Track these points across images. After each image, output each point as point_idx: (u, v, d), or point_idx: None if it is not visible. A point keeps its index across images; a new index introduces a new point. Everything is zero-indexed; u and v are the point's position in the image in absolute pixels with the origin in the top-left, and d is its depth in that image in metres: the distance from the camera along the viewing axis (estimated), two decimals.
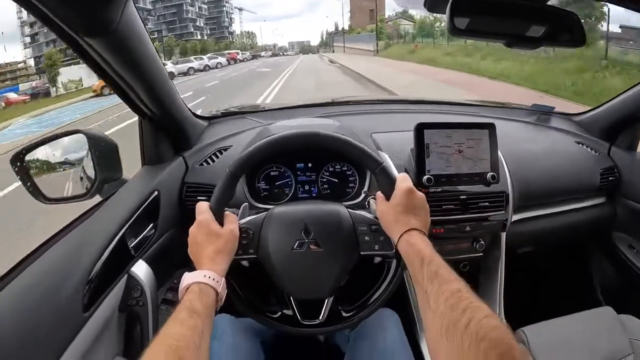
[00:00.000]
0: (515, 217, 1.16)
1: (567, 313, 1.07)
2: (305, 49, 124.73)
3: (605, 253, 1.50)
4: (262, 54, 69.71)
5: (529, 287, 1.60)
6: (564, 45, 0.79)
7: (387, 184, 0.78)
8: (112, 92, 0.91)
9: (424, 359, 1.06)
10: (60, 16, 0.64)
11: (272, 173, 1.14)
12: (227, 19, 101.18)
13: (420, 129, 1.00)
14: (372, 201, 0.87)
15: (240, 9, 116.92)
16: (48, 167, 1.06)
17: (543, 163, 1.26)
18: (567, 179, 1.27)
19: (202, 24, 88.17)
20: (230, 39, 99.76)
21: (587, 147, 1.36)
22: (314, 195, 1.15)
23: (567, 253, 1.59)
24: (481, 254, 1.18)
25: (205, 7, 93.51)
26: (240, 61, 39.24)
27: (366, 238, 0.81)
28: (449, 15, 0.69)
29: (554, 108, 1.52)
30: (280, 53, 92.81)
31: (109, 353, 0.86)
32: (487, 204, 1.09)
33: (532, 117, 1.50)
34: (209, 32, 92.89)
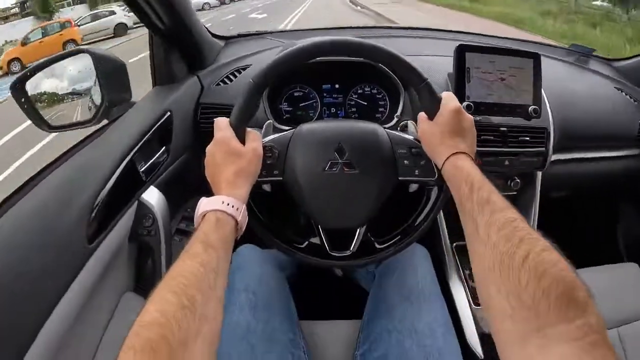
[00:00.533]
0: (553, 158, 1.09)
1: (590, 264, 1.03)
2: None
3: (635, 207, 1.44)
4: None
5: (556, 233, 1.56)
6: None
7: (431, 103, 0.69)
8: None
9: (453, 300, 1.02)
10: None
11: (295, 94, 1.06)
12: None
13: (462, 50, 0.90)
14: (411, 123, 0.79)
15: None
16: (55, 98, 0.99)
17: (583, 104, 1.18)
18: (606, 124, 1.20)
19: None
20: None
21: (626, 94, 1.28)
22: (340, 118, 1.06)
23: (597, 203, 1.53)
24: (515, 192, 1.11)
25: None
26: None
27: (405, 162, 0.72)
28: None
29: (595, 50, 1.42)
30: None
31: (119, 288, 0.80)
32: (527, 138, 1.01)
33: (571, 58, 1.40)
34: None
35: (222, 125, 0.67)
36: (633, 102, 1.26)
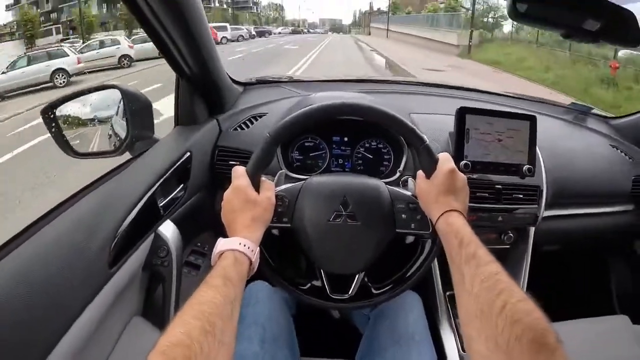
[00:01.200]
0: (546, 214, 1.14)
1: (582, 316, 1.06)
2: (336, 27, 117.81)
3: (627, 261, 1.48)
4: (277, 30, 53.79)
5: (548, 285, 1.59)
6: (617, 42, 0.78)
7: (429, 163, 0.76)
8: None
9: (443, 344, 1.05)
10: None
11: (306, 144, 1.13)
12: None
13: (462, 113, 0.97)
14: (410, 180, 0.85)
15: None
16: (77, 122, 1.06)
17: (578, 162, 1.24)
18: (600, 181, 1.25)
19: None
20: (255, 10, 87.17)
21: (621, 152, 1.33)
22: (347, 169, 1.13)
23: (588, 256, 1.57)
24: (508, 246, 1.16)
25: None
26: (231, 40, 26.76)
27: (403, 216, 0.79)
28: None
29: (593, 108, 1.48)
30: (305, 30, 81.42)
31: (129, 311, 0.86)
32: (520, 196, 1.07)
33: (569, 116, 1.46)
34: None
35: (239, 173, 0.75)
36: (628, 159, 1.32)
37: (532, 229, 1.16)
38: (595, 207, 1.27)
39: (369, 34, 47.82)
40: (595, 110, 1.51)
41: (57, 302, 0.62)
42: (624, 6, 0.72)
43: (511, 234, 1.14)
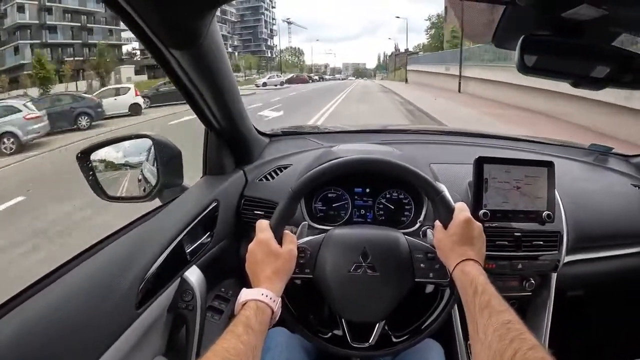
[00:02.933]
0: (568, 259, 1.13)
1: None
2: (360, 72, 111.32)
3: None
4: (261, 80, 33.39)
5: (576, 332, 1.54)
6: (627, 86, 0.78)
7: (445, 213, 0.79)
8: None
9: None
10: (153, 29, 0.68)
11: (329, 195, 1.16)
12: (265, 30, 78.64)
13: (480, 163, 0.99)
14: (429, 231, 0.87)
15: (289, 22, 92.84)
16: (109, 166, 1.12)
17: (599, 204, 1.23)
18: (623, 222, 1.23)
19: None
20: (270, 54, 79.96)
21: None
22: (369, 220, 1.16)
23: (616, 299, 1.52)
24: (530, 293, 1.15)
25: (236, 11, 71.47)
26: None
27: (422, 265, 0.82)
28: (519, 53, 0.70)
29: (613, 149, 1.48)
30: (316, 77, 57.53)
31: (152, 351, 0.89)
32: (540, 242, 1.07)
33: (590, 157, 1.46)
34: (241, 45, 72.10)
35: (263, 226, 0.79)
36: None
37: (554, 275, 1.14)
38: (619, 249, 1.24)
39: (406, 81, 31.19)
40: (615, 150, 1.50)
41: (83, 340, 0.66)
42: (631, 49, 0.74)
43: (533, 281, 1.13)
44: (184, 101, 0.94)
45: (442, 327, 0.84)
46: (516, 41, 0.70)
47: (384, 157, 0.83)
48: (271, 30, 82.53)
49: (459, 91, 16.99)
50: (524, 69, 0.72)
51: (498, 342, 0.55)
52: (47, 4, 30.74)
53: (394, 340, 0.84)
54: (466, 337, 1.11)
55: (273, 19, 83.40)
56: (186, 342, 0.95)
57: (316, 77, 55.55)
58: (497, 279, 1.11)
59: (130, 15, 0.64)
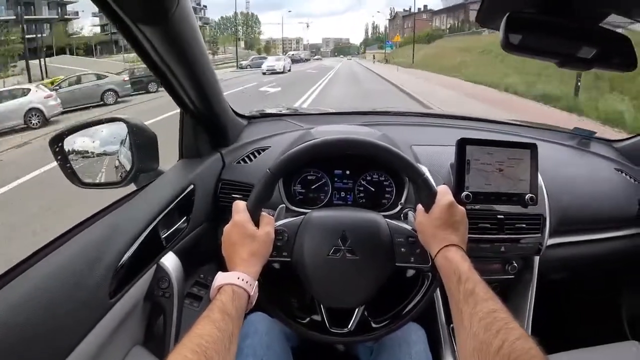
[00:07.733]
0: (550, 242, 1.13)
1: (593, 344, 1.04)
2: (340, 48, 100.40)
3: (636, 285, 1.45)
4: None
5: (556, 314, 1.56)
6: (614, 68, 0.77)
7: (427, 196, 0.77)
8: None
9: None
10: (117, 1, 0.64)
11: (309, 177, 1.14)
12: None
13: (462, 144, 0.98)
14: (410, 214, 0.86)
15: None
16: (85, 154, 1.08)
17: (582, 188, 1.23)
18: (605, 206, 1.24)
19: None
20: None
21: (626, 174, 1.32)
22: (349, 202, 1.14)
23: (598, 282, 1.54)
24: (513, 276, 1.15)
25: None
26: None
27: (402, 250, 0.79)
28: (504, 31, 0.68)
29: (596, 133, 1.48)
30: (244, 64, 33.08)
31: (130, 341, 0.86)
32: (523, 225, 1.06)
33: (573, 141, 1.46)
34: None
35: (239, 208, 0.76)
36: (633, 182, 1.31)
37: (537, 258, 1.14)
38: (601, 233, 1.26)
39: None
40: (598, 134, 1.50)
41: (57, 329, 0.63)
42: (618, 31, 0.73)
43: (515, 264, 1.13)
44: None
45: (424, 310, 0.83)
46: (501, 19, 0.68)
47: (365, 138, 0.80)
48: None
49: None
50: (508, 47, 0.70)
51: (484, 332, 0.54)
52: None
53: (374, 325, 0.82)
54: (449, 320, 1.11)
55: None
56: (164, 330, 0.93)
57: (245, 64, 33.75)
58: (480, 262, 1.10)
59: None
